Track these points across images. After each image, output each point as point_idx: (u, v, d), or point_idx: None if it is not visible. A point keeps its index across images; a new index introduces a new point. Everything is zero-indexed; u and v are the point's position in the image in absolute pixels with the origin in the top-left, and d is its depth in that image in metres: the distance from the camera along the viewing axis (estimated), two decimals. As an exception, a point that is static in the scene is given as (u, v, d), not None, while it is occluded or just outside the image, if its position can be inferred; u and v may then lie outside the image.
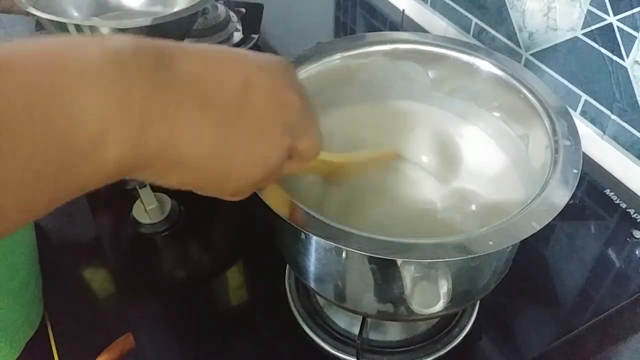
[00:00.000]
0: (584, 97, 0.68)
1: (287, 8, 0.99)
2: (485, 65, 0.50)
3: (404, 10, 0.90)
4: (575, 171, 0.40)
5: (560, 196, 0.39)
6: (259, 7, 0.91)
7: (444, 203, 0.48)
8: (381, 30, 0.93)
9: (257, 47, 0.85)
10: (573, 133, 0.42)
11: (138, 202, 0.63)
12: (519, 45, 0.74)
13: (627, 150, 0.66)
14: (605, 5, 0.61)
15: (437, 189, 0.49)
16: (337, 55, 0.52)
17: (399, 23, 0.91)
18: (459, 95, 0.53)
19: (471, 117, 0.53)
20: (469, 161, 0.51)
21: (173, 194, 0.64)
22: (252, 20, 0.89)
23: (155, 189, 0.63)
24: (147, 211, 0.61)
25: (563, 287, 0.57)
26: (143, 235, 0.62)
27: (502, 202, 0.47)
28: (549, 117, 0.43)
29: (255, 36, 0.86)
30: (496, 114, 0.51)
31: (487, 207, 0.47)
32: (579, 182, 0.66)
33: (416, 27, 0.92)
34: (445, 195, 0.49)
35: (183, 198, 0.64)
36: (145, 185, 0.63)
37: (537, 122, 0.44)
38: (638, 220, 0.63)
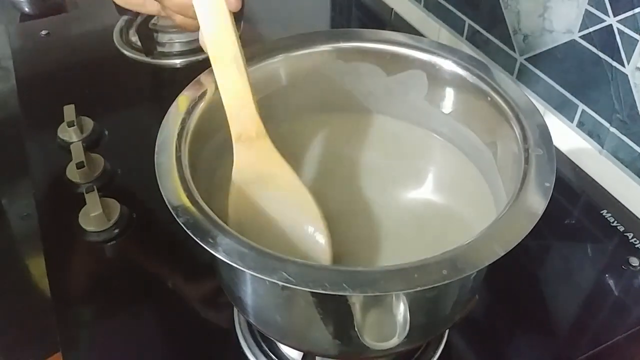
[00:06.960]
0: (581, 106, 0.62)
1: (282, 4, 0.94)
2: (447, 65, 0.44)
3: (392, 10, 0.84)
4: (547, 184, 0.33)
5: (528, 216, 0.32)
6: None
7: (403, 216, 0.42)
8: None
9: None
10: (546, 140, 0.36)
11: (85, 208, 0.57)
12: (513, 49, 0.68)
13: (626, 167, 0.59)
14: (605, 5, 0.55)
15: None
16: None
17: (394, 24, 0.86)
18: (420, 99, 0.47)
19: (433, 123, 0.47)
20: (433, 172, 0.45)
21: (124, 199, 0.59)
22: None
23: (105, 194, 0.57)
24: (91, 218, 0.56)
25: (556, 313, 0.51)
26: (87, 244, 0.56)
27: (471, 218, 0.41)
28: (519, 122, 0.37)
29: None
30: (460, 119, 0.45)
31: (452, 223, 0.41)
32: (574, 202, 0.58)
33: (408, 29, 0.86)
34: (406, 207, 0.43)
35: (136, 204, 0.59)
36: (93, 190, 0.57)
37: (505, 128, 0.38)
38: (636, 246, 0.56)
